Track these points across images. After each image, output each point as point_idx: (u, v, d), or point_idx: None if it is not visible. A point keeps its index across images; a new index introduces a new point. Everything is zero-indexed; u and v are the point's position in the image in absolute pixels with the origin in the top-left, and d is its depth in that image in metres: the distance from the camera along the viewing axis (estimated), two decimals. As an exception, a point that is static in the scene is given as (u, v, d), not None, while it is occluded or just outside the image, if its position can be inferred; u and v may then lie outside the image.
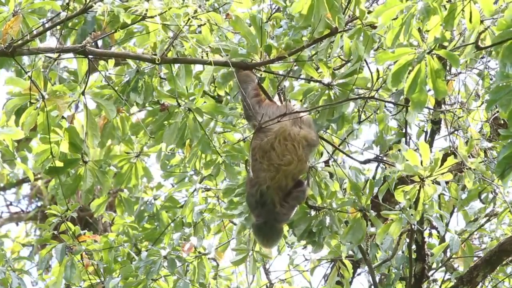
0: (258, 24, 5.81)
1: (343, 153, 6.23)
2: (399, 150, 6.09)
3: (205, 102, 6.10)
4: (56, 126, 6.04)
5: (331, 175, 6.24)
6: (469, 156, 7.14)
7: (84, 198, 6.51)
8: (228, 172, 6.48)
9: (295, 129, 5.73)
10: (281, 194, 5.73)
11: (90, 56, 5.87)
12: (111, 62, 6.32)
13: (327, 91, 5.85)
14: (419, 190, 5.91)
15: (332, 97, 5.85)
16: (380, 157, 6.19)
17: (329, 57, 5.76)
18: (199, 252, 6.95)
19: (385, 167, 6.29)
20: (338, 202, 6.11)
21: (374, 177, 7.41)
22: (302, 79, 6.06)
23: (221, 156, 6.47)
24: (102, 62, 6.33)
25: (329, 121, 5.86)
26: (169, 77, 6.05)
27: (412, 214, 5.94)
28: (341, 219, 6.14)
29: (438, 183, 5.91)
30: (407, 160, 5.83)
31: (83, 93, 5.98)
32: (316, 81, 5.85)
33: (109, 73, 6.30)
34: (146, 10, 5.65)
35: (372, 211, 6.07)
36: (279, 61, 5.82)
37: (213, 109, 6.11)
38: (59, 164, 6.12)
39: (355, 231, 6.09)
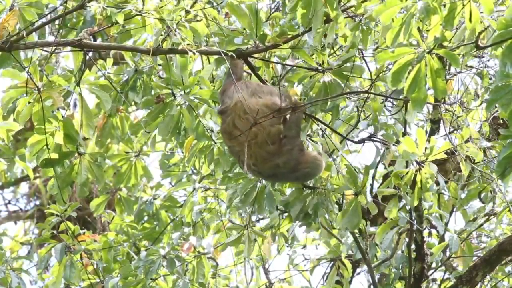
0: (254, 10, 5.76)
1: (337, 133, 6.13)
2: (393, 131, 6.06)
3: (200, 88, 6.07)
4: (51, 117, 6.02)
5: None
6: (467, 156, 7.14)
7: (78, 191, 6.51)
8: (223, 160, 6.44)
9: (252, 100, 5.59)
10: (271, 159, 5.62)
11: (87, 50, 5.85)
12: (110, 61, 6.31)
13: (322, 79, 5.80)
14: (415, 175, 5.88)
15: (328, 84, 5.80)
16: (374, 136, 6.09)
17: (324, 43, 5.69)
18: (198, 252, 6.95)
19: (381, 148, 6.20)
20: (333, 182, 6.08)
21: (374, 176, 7.42)
22: (296, 66, 5.99)
23: (215, 142, 6.43)
24: (100, 62, 6.33)
25: (322, 111, 5.82)
26: (164, 66, 6.01)
27: (409, 195, 5.90)
28: (338, 201, 6.11)
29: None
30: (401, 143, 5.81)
31: (78, 84, 5.96)
32: (310, 69, 5.80)
33: (108, 73, 6.30)
34: (141, 10, 5.64)
35: (369, 195, 6.04)
36: (274, 49, 5.78)
37: (209, 95, 6.07)
38: (54, 156, 6.10)
39: (351, 216, 6.07)
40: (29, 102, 5.85)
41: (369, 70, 5.87)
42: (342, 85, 5.74)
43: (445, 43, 5.27)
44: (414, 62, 5.08)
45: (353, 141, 6.08)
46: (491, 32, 5.46)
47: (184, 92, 6.04)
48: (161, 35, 5.74)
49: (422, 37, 5.23)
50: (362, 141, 6.08)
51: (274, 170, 5.66)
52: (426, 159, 5.84)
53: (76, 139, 6.06)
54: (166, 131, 6.09)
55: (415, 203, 5.95)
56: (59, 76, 5.92)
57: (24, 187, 12.33)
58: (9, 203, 12.40)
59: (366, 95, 5.94)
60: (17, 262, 8.39)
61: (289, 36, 5.74)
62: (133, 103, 6.29)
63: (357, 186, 6.05)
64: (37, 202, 12.25)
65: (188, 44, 5.63)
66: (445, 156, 5.97)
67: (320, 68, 5.79)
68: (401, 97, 6.06)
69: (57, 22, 6.40)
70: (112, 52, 7.68)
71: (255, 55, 5.90)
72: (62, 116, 6.04)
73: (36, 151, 6.07)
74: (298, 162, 5.66)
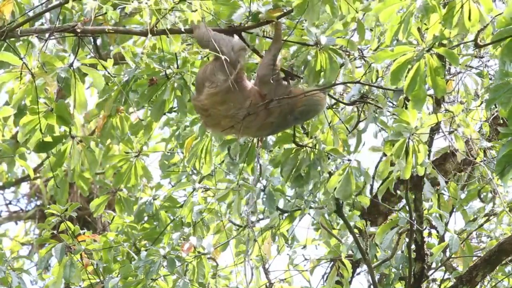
0: None
1: (331, 96, 6.09)
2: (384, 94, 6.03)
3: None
4: (45, 98, 6.00)
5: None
6: (467, 156, 7.14)
7: (70, 176, 6.52)
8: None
9: (203, 95, 5.55)
10: (263, 125, 5.58)
11: (81, 35, 5.83)
12: (110, 62, 6.31)
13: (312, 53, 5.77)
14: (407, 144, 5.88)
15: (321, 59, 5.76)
16: (366, 97, 6.04)
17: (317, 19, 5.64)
18: (199, 252, 6.94)
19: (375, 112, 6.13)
20: (323, 138, 6.07)
21: (374, 176, 7.41)
22: (290, 41, 5.92)
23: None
24: (99, 60, 6.32)
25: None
26: (158, 42, 5.98)
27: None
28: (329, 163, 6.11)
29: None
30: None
31: (71, 65, 5.94)
32: (303, 43, 5.76)
33: (108, 73, 6.29)
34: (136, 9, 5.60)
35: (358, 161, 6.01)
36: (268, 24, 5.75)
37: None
38: (47, 139, 6.09)
39: (343, 185, 6.05)
40: (22, 86, 5.84)
41: (366, 61, 5.88)
42: (339, 60, 5.72)
43: (444, 41, 5.28)
44: (413, 61, 5.08)
45: (344, 103, 6.05)
46: (490, 31, 5.47)
47: (178, 73, 5.99)
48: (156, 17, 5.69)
49: (422, 36, 5.24)
50: (354, 102, 6.03)
51: (271, 129, 5.63)
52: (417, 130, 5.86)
53: (69, 121, 6.04)
54: (159, 116, 6.07)
55: (407, 175, 5.92)
56: (52, 57, 5.90)
57: (25, 187, 12.35)
58: (10, 203, 12.40)
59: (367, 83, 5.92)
60: (18, 262, 8.41)
61: (283, 12, 5.68)
62: (133, 103, 6.29)
63: (347, 146, 6.03)
64: (38, 203, 12.26)
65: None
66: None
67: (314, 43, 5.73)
68: (400, 96, 6.06)
69: (57, 23, 6.40)
70: (112, 52, 7.69)
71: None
72: (56, 100, 6.04)
73: (28, 131, 6.05)
74: (291, 108, 5.59)
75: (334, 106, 6.20)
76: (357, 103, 6.01)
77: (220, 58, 5.48)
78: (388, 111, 6.06)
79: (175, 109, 6.24)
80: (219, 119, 5.54)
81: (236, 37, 5.69)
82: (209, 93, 5.52)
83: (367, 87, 5.89)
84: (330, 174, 6.24)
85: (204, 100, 5.52)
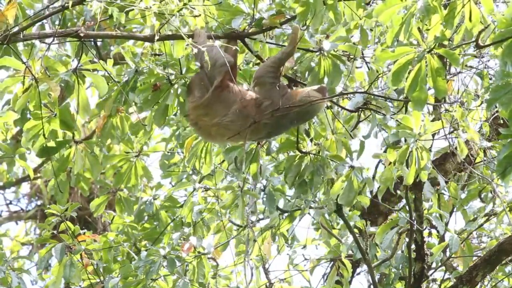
0: None
1: (335, 103, 6.11)
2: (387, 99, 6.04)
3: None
4: (48, 103, 6.00)
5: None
6: (468, 156, 7.14)
7: (73, 181, 6.52)
8: None
9: (192, 117, 5.63)
10: (258, 127, 5.56)
11: (85, 39, 5.82)
12: (110, 62, 6.31)
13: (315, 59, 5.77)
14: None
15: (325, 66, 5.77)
16: (369, 103, 6.04)
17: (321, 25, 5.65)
18: (199, 252, 6.95)
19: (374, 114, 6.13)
20: (326, 144, 6.08)
21: (374, 177, 7.42)
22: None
23: None
24: (101, 62, 6.31)
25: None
26: (162, 44, 5.97)
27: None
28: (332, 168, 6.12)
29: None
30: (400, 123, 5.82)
31: (74, 71, 5.93)
32: (307, 49, 5.76)
33: (108, 73, 6.28)
34: (144, 8, 5.59)
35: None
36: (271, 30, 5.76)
37: None
38: (51, 144, 6.10)
39: (347, 191, 6.07)
40: (26, 90, 5.83)
41: (367, 65, 5.88)
42: (342, 67, 5.72)
43: (445, 42, 5.28)
44: (414, 62, 5.08)
45: (347, 110, 6.05)
46: (491, 31, 5.47)
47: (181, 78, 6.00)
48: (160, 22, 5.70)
49: (423, 36, 5.24)
50: (357, 109, 6.04)
51: (266, 131, 5.61)
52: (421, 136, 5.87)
53: (72, 126, 6.05)
54: (162, 120, 6.08)
55: (411, 180, 5.93)
56: (56, 62, 5.90)
57: (25, 187, 12.34)
58: (11, 203, 12.41)
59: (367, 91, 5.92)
60: (18, 262, 8.41)
61: (287, 18, 5.68)
62: (133, 103, 6.28)
63: (350, 153, 6.04)
64: (38, 203, 12.26)
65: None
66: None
67: (317, 49, 5.74)
68: (401, 97, 6.06)
69: (57, 22, 6.41)
70: (112, 52, 7.68)
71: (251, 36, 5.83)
72: (58, 104, 6.03)
73: (32, 136, 6.06)
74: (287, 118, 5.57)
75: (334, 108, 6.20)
76: (361, 109, 6.02)
77: (200, 72, 5.64)
78: (391, 117, 6.05)
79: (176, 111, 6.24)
80: (208, 129, 5.60)
81: (224, 52, 5.68)
82: (191, 107, 5.63)
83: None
84: (332, 181, 6.25)
85: (190, 115, 5.61)
